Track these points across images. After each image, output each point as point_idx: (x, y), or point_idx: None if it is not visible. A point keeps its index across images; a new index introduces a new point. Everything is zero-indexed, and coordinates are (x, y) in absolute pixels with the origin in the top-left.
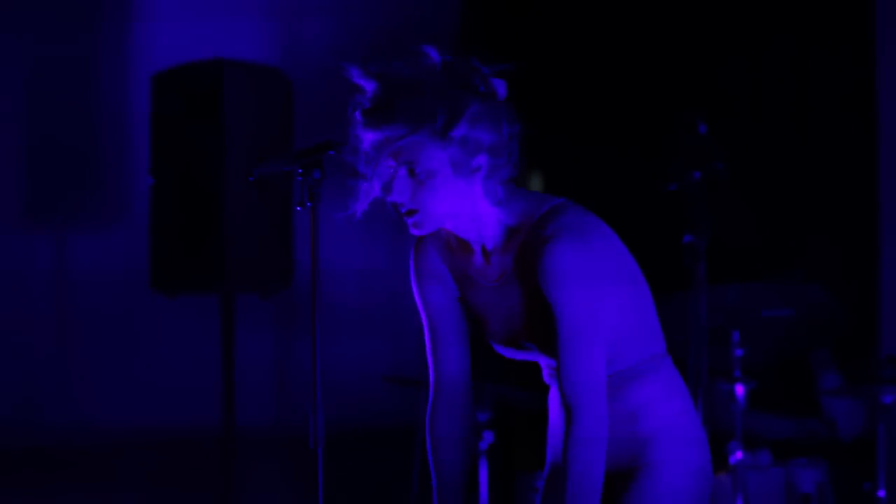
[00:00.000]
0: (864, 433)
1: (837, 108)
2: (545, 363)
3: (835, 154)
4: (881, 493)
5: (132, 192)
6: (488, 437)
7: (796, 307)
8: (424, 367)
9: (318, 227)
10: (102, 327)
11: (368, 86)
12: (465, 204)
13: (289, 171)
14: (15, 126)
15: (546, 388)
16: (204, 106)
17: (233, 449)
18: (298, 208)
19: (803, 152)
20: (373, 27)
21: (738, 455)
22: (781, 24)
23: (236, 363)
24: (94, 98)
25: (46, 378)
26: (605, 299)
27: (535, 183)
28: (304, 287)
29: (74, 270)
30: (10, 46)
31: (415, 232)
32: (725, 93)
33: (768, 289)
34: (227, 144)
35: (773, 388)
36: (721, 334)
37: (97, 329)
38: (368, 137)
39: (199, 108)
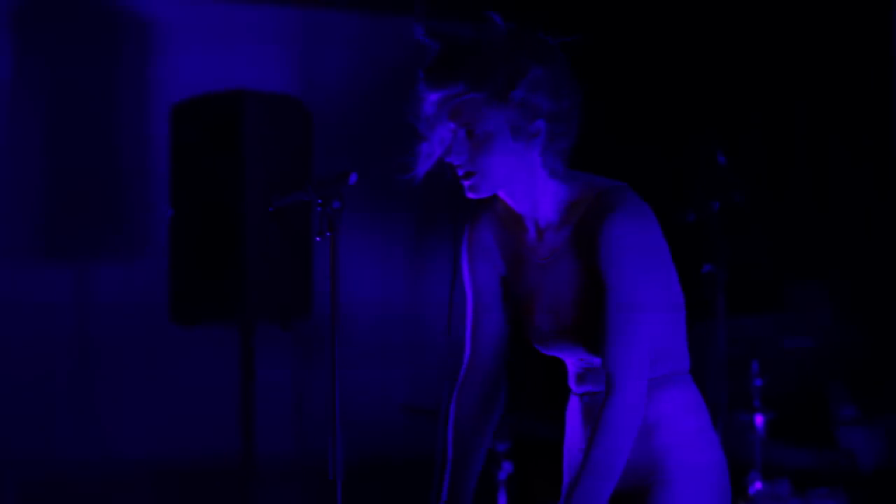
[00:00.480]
0: (883, 464)
1: (856, 138)
2: (577, 357)
3: (853, 184)
4: None
5: (152, 223)
6: (507, 468)
7: (815, 337)
8: (442, 396)
9: (337, 257)
10: (123, 358)
11: (432, 45)
12: (521, 171)
13: (308, 201)
14: (35, 156)
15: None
16: (224, 136)
17: (253, 478)
18: (318, 238)
19: (822, 182)
20: (391, 58)
21: (758, 485)
22: (802, 56)
23: (256, 393)
24: (114, 128)
25: (67, 409)
26: (657, 286)
27: None
28: (323, 317)
29: (95, 301)
30: (31, 77)
31: (470, 195)
32: (744, 122)
33: (787, 319)
34: (247, 175)
35: (793, 419)
36: (740, 365)
37: (118, 359)
38: (429, 97)
39: (219, 139)
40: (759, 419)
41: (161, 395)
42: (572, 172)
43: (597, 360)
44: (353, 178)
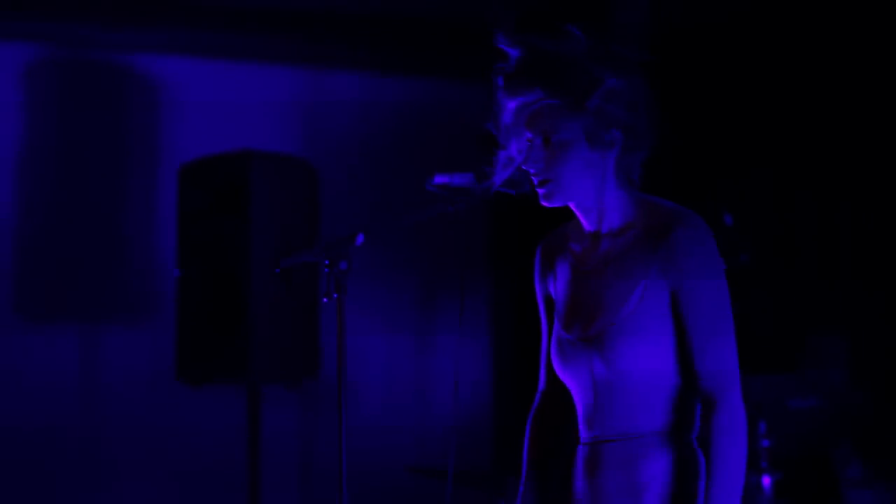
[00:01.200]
0: None
1: (862, 198)
2: (590, 377)
3: (858, 244)
4: None
5: (159, 283)
6: None
7: (821, 397)
8: (447, 456)
9: (344, 317)
10: (129, 418)
11: (512, 52)
12: (595, 179)
13: (315, 262)
14: (43, 216)
15: None
16: (231, 197)
17: None
18: (325, 299)
19: (828, 243)
20: (397, 118)
21: None
22: (806, 120)
23: (262, 453)
24: (121, 188)
25: (74, 469)
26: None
27: None
28: (330, 377)
29: (101, 361)
30: (40, 137)
31: (544, 203)
32: (751, 183)
33: (794, 379)
34: (254, 235)
35: (800, 480)
36: (747, 425)
37: (124, 419)
38: (508, 105)
39: (226, 200)
40: (766, 480)
41: (168, 454)
42: (637, 192)
43: (606, 378)
44: (359, 239)
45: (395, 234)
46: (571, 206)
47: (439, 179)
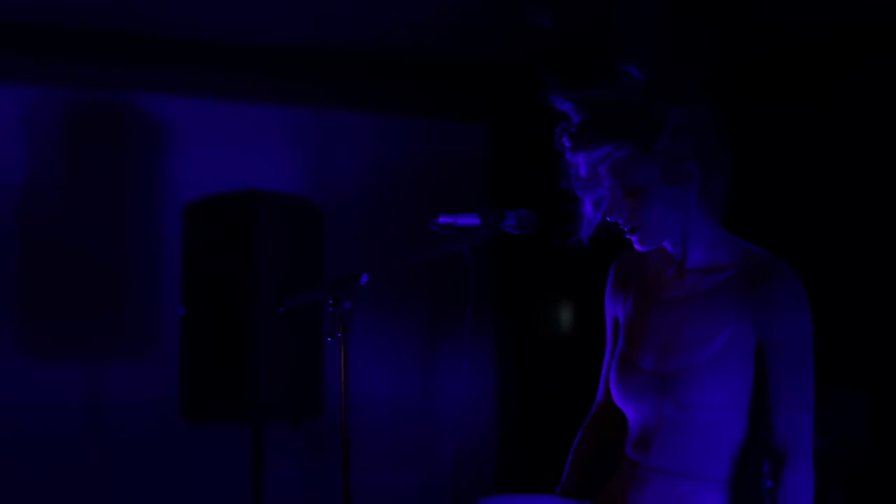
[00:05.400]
0: None
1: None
2: (655, 409)
3: (868, 278)
4: None
5: (164, 322)
6: None
7: (830, 442)
8: (454, 496)
9: (348, 356)
10: (133, 456)
11: (569, 110)
12: (681, 215)
13: (320, 301)
14: (47, 255)
15: None
16: (236, 236)
17: None
18: (329, 339)
19: (839, 280)
20: (403, 158)
21: None
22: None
23: (266, 492)
24: (126, 227)
25: None
26: None
27: (566, 312)
28: (334, 416)
29: (105, 400)
30: (44, 176)
31: (639, 248)
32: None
33: None
34: (259, 274)
35: None
36: (752, 466)
37: (127, 458)
38: (580, 161)
39: (231, 239)
40: None
41: (171, 493)
42: (725, 231)
43: (673, 415)
44: (364, 278)
45: (399, 273)
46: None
47: (443, 220)
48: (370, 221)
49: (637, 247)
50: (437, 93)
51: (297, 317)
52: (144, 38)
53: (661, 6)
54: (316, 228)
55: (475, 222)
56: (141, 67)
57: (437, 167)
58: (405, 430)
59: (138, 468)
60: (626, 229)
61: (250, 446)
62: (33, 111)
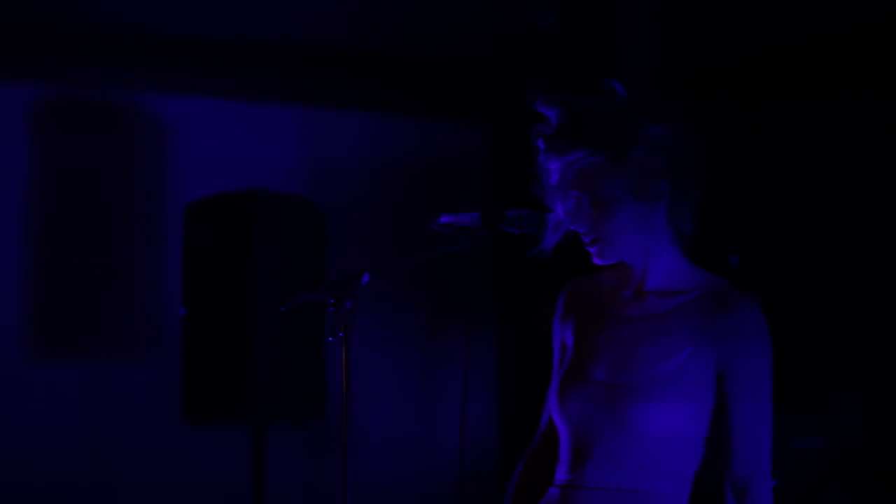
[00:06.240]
0: None
1: (878, 234)
2: (599, 424)
3: (873, 281)
4: None
5: (164, 322)
6: None
7: (830, 441)
8: (455, 496)
9: (350, 356)
10: (133, 456)
11: (550, 113)
12: (645, 233)
13: (321, 301)
14: (47, 254)
15: None
16: (237, 236)
17: None
18: (331, 338)
19: (840, 281)
20: (404, 158)
21: None
22: (822, 152)
23: (267, 492)
24: (127, 227)
25: None
26: None
27: None
28: (335, 416)
29: (106, 399)
30: (45, 175)
31: (597, 261)
32: (759, 222)
33: (803, 420)
34: (260, 274)
35: None
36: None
37: (128, 458)
38: (551, 166)
39: (232, 239)
40: None
41: (172, 494)
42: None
43: (618, 430)
44: (365, 278)
45: (401, 272)
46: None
47: (445, 219)
48: (371, 221)
49: (595, 260)
50: (439, 92)
51: (299, 316)
52: (146, 37)
53: (659, 7)
54: (317, 228)
55: (476, 222)
56: (142, 67)
57: (438, 166)
58: (406, 430)
59: (140, 468)
60: (587, 240)
61: (251, 446)
62: (36, 110)
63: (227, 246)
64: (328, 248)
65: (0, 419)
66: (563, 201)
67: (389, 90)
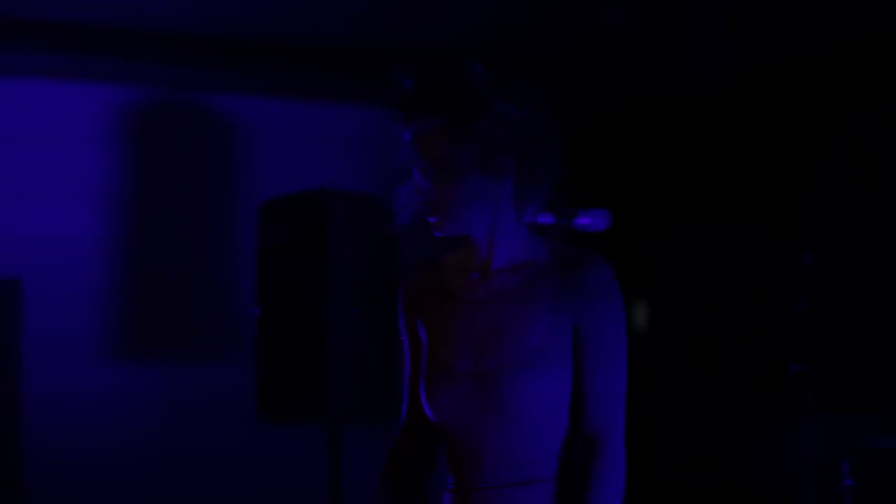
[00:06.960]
0: None
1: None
2: (469, 414)
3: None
4: None
5: (239, 322)
6: None
7: None
8: None
9: None
10: (209, 456)
11: (406, 82)
12: (487, 210)
13: (393, 300)
14: (124, 257)
15: None
16: (309, 236)
17: None
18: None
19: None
20: None
21: None
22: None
23: (343, 493)
24: (201, 228)
25: None
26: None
27: (640, 311)
28: None
29: (182, 399)
30: (120, 179)
31: (436, 233)
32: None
33: (881, 419)
34: (332, 273)
35: None
36: (831, 465)
37: (204, 458)
38: (404, 137)
39: (304, 238)
40: None
41: (248, 494)
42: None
43: (498, 420)
44: None
45: None
46: (465, 232)
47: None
48: None
49: (435, 232)
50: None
51: (371, 315)
52: (217, 39)
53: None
54: (388, 226)
55: (549, 220)
56: (214, 68)
57: None
58: None
59: (215, 468)
60: (427, 211)
61: (327, 446)
62: (108, 111)
63: (299, 245)
64: (400, 245)
65: (81, 421)
66: (414, 171)
67: None
